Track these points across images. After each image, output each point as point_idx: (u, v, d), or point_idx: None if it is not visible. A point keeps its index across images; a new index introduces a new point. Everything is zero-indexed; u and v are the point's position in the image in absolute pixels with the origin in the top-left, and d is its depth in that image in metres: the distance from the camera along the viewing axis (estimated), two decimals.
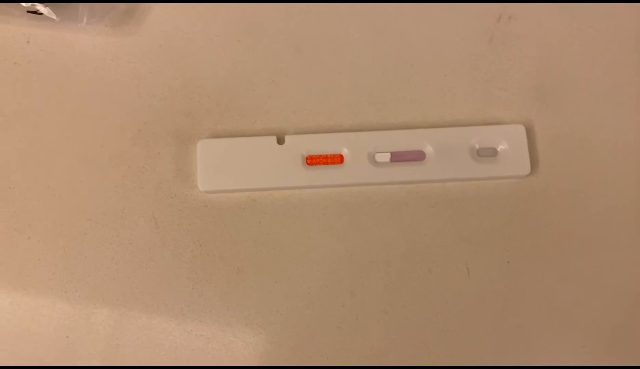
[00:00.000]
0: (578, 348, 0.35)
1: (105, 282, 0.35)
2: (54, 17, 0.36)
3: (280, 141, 0.36)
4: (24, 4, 0.36)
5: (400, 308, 0.35)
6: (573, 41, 0.39)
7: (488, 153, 0.37)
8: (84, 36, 0.38)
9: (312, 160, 0.36)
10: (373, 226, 0.36)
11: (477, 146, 0.36)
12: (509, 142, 0.36)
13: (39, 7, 0.36)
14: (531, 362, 0.35)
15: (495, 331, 0.35)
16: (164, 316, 0.35)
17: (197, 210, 0.36)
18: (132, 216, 0.36)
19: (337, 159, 0.36)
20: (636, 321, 0.36)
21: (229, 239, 0.36)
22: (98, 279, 0.35)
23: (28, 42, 0.38)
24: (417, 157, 0.36)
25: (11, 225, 0.36)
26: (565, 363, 0.35)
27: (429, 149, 0.36)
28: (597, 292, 0.36)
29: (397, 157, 0.36)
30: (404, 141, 0.36)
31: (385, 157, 0.36)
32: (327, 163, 0.36)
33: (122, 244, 0.36)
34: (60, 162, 0.36)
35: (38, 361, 0.35)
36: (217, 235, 0.36)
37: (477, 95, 0.38)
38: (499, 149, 0.37)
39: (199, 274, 0.35)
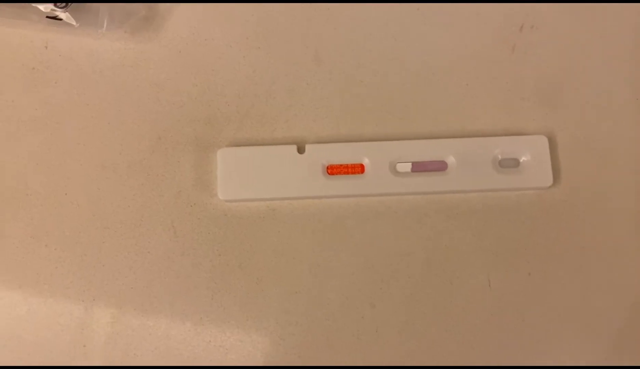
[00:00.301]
0: (600, 360, 0.35)
1: (124, 291, 0.35)
2: (74, 22, 0.36)
3: (301, 150, 0.36)
4: (42, 9, 0.36)
5: (421, 320, 0.35)
6: (595, 51, 0.38)
7: (510, 164, 0.36)
8: (103, 42, 0.37)
9: (333, 170, 0.36)
10: (394, 236, 0.36)
11: (499, 157, 0.36)
12: (531, 152, 0.36)
13: (59, 12, 0.36)
14: None
15: (516, 343, 0.35)
16: (183, 326, 0.35)
17: (216, 219, 0.36)
18: (150, 224, 0.36)
19: (357, 169, 0.36)
20: None
21: (249, 249, 0.36)
22: (116, 288, 0.35)
23: (46, 47, 0.37)
24: (439, 167, 0.36)
25: (28, 233, 0.35)
26: None
27: (451, 159, 0.36)
28: (618, 304, 0.35)
29: (419, 167, 0.36)
30: (426, 151, 0.36)
31: (406, 167, 0.36)
32: (347, 173, 0.36)
33: (140, 253, 0.35)
34: (78, 169, 0.36)
35: None
36: (237, 244, 0.36)
37: (499, 104, 0.38)
38: (521, 160, 0.36)
39: (218, 284, 0.35)
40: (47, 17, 0.36)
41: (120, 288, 0.35)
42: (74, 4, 0.36)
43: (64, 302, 0.35)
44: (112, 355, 0.34)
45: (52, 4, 0.35)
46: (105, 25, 0.36)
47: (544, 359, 0.35)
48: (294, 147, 0.36)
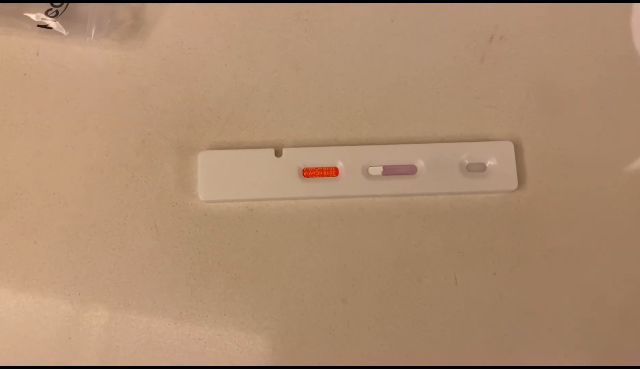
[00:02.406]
0: (560, 357, 0.37)
1: (108, 286, 0.37)
2: (64, 31, 0.38)
3: (278, 153, 0.38)
4: (34, 18, 0.37)
5: (391, 316, 0.37)
6: (561, 61, 0.40)
7: (477, 169, 0.38)
8: (92, 50, 0.39)
9: (308, 173, 0.38)
10: (366, 236, 0.38)
11: (466, 161, 0.38)
12: (497, 158, 0.38)
13: (49, 21, 0.37)
14: None
15: (481, 339, 0.37)
16: (163, 320, 0.36)
17: (197, 218, 0.38)
18: (134, 223, 0.37)
19: (332, 172, 0.38)
20: (619, 332, 0.37)
21: (227, 247, 0.37)
22: (100, 283, 0.37)
23: (38, 54, 0.39)
24: (409, 170, 0.38)
25: (18, 230, 0.37)
26: None
27: (420, 163, 0.38)
28: (580, 304, 0.37)
29: (390, 171, 0.37)
30: (397, 155, 0.38)
31: (378, 171, 0.38)
32: (322, 176, 0.38)
33: (124, 250, 0.37)
34: (67, 170, 0.38)
35: (41, 360, 0.36)
36: (216, 242, 0.37)
37: (468, 112, 0.39)
38: (487, 165, 0.38)
39: (198, 280, 0.37)
40: (38, 25, 0.38)
41: (105, 283, 0.37)
42: (63, 15, 0.37)
43: (51, 296, 0.37)
44: (96, 347, 0.36)
45: (43, 13, 0.37)
46: (93, 34, 0.38)
47: (507, 355, 0.36)
48: (272, 151, 0.38)
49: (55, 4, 0.38)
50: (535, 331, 0.37)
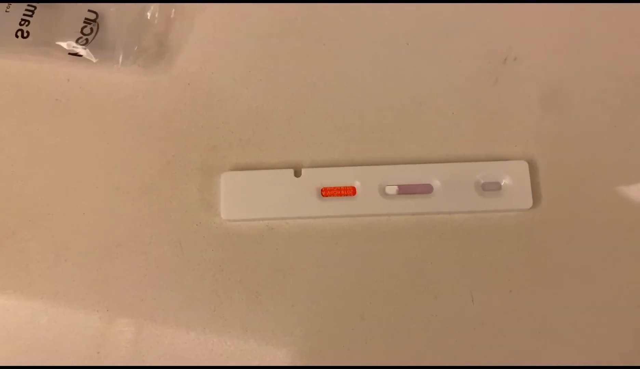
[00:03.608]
0: None
1: (134, 303, 0.38)
2: (93, 58, 0.39)
3: (297, 174, 0.39)
4: (65, 46, 0.39)
5: (407, 333, 0.38)
6: (576, 81, 0.41)
7: (492, 188, 0.39)
8: (119, 76, 0.41)
9: (327, 192, 0.39)
10: (382, 254, 0.39)
11: (481, 181, 0.39)
12: (512, 177, 0.39)
13: (79, 49, 0.39)
14: None
15: (497, 356, 0.37)
16: (187, 336, 0.38)
17: (219, 237, 0.39)
18: (159, 242, 0.39)
19: (349, 191, 0.39)
20: (635, 351, 0.37)
21: (249, 264, 0.39)
22: (127, 300, 0.38)
23: (68, 80, 0.41)
24: (425, 190, 0.39)
25: (50, 249, 0.39)
26: None
27: (436, 183, 0.39)
28: (595, 322, 0.37)
29: (405, 190, 0.38)
30: (413, 175, 0.39)
31: (394, 190, 0.38)
32: (340, 195, 0.39)
33: (149, 268, 0.38)
34: (95, 191, 0.40)
35: None
36: (238, 260, 0.39)
37: (483, 132, 0.40)
38: (502, 184, 0.39)
39: (221, 297, 0.38)
40: (69, 53, 0.40)
41: (131, 300, 0.38)
42: (92, 43, 0.39)
43: (80, 312, 0.38)
44: (122, 361, 0.38)
45: (74, 41, 0.39)
46: (120, 61, 0.39)
47: None
48: (291, 171, 0.39)
49: (84, 31, 0.40)
50: (551, 348, 0.37)
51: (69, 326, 0.38)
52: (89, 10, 0.40)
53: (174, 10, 0.42)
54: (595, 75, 0.41)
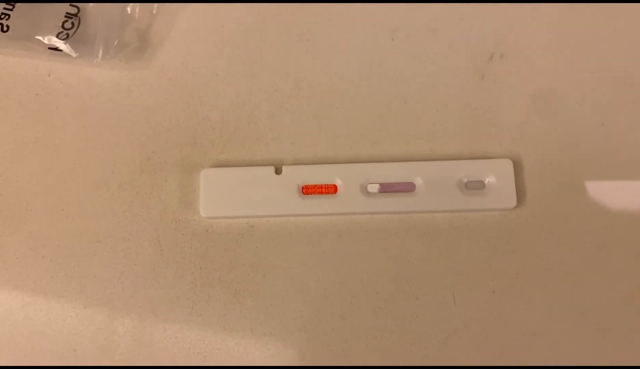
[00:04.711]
0: None
1: (112, 300, 0.38)
2: (73, 53, 0.39)
3: (278, 171, 0.38)
4: (45, 41, 0.39)
5: (388, 333, 0.37)
6: (563, 78, 0.40)
7: (476, 186, 0.38)
8: (100, 71, 0.41)
9: (308, 190, 0.38)
10: (364, 253, 0.38)
11: (465, 179, 0.38)
12: (496, 176, 0.38)
13: (59, 44, 0.39)
14: None
15: (479, 357, 0.37)
16: (165, 333, 0.37)
17: (198, 234, 0.38)
18: (138, 239, 0.38)
19: (331, 189, 0.38)
20: (619, 351, 0.37)
21: (228, 263, 0.38)
22: (105, 297, 0.38)
23: (49, 75, 0.41)
24: (407, 188, 0.38)
25: (28, 244, 0.39)
26: None
27: (418, 181, 0.38)
28: (579, 322, 0.37)
29: (387, 188, 0.38)
30: (395, 173, 0.38)
31: (376, 188, 0.38)
32: (321, 193, 0.38)
33: (128, 265, 0.38)
34: (74, 187, 0.39)
35: None
36: (217, 258, 0.38)
37: (468, 130, 0.40)
38: (486, 182, 0.38)
39: (199, 295, 0.38)
40: (50, 48, 0.39)
41: (109, 297, 0.38)
42: (73, 37, 0.39)
43: (57, 309, 0.38)
44: (99, 359, 0.37)
45: (54, 36, 0.39)
46: (100, 55, 0.39)
47: None
48: (272, 169, 0.38)
49: (65, 25, 0.39)
50: (534, 349, 0.37)
51: (46, 323, 0.38)
52: (71, 5, 0.40)
53: (156, 5, 0.41)
54: (582, 74, 0.40)
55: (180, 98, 0.40)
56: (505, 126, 0.40)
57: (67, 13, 0.40)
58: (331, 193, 0.38)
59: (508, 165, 0.38)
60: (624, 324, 0.37)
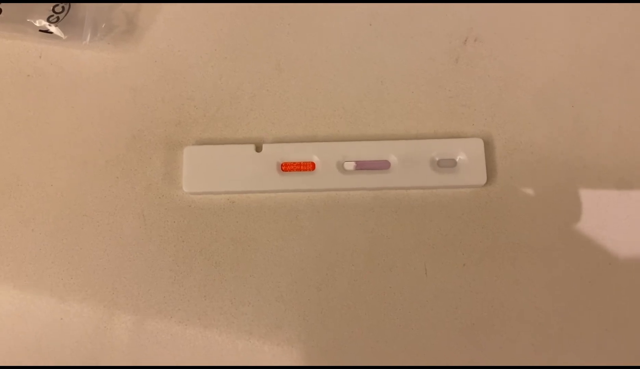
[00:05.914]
0: (527, 346, 0.38)
1: (97, 271, 0.39)
2: (62, 35, 0.41)
3: (258, 149, 0.40)
4: (36, 24, 0.41)
5: (362, 303, 0.39)
6: (535, 61, 0.42)
7: (448, 164, 0.40)
8: (88, 52, 0.42)
9: (287, 167, 0.40)
10: (340, 228, 0.40)
11: (437, 158, 0.39)
12: (467, 154, 0.39)
13: (50, 26, 0.41)
14: (482, 359, 0.38)
15: (449, 328, 0.38)
16: (148, 303, 0.39)
17: (181, 209, 0.40)
18: (123, 213, 0.40)
19: (309, 166, 0.40)
20: (583, 324, 0.38)
21: (209, 236, 0.40)
22: (91, 268, 0.39)
23: (40, 56, 0.42)
24: (382, 166, 0.40)
25: (18, 218, 0.40)
26: (514, 361, 0.38)
27: (393, 159, 0.39)
28: (546, 296, 0.38)
29: (362, 166, 0.39)
30: (371, 151, 0.40)
31: (352, 165, 0.39)
32: (300, 170, 0.40)
33: (113, 238, 0.40)
34: (63, 163, 0.41)
35: (35, 340, 0.39)
36: (198, 232, 0.40)
37: (442, 110, 0.41)
38: (457, 160, 0.40)
39: (181, 267, 0.39)
40: (40, 30, 0.41)
41: (95, 269, 0.39)
42: (63, 20, 0.41)
43: (45, 280, 0.39)
44: (86, 327, 0.39)
45: (45, 19, 0.41)
46: (88, 38, 0.41)
47: (475, 344, 0.38)
48: (252, 146, 0.40)
49: (56, 9, 0.41)
50: (503, 320, 0.38)
51: (34, 294, 0.39)
52: None
53: None
54: (553, 57, 0.42)
55: (165, 79, 0.42)
56: (477, 107, 0.41)
57: None
58: (309, 170, 0.40)
59: (479, 144, 0.40)
60: (588, 298, 0.38)
